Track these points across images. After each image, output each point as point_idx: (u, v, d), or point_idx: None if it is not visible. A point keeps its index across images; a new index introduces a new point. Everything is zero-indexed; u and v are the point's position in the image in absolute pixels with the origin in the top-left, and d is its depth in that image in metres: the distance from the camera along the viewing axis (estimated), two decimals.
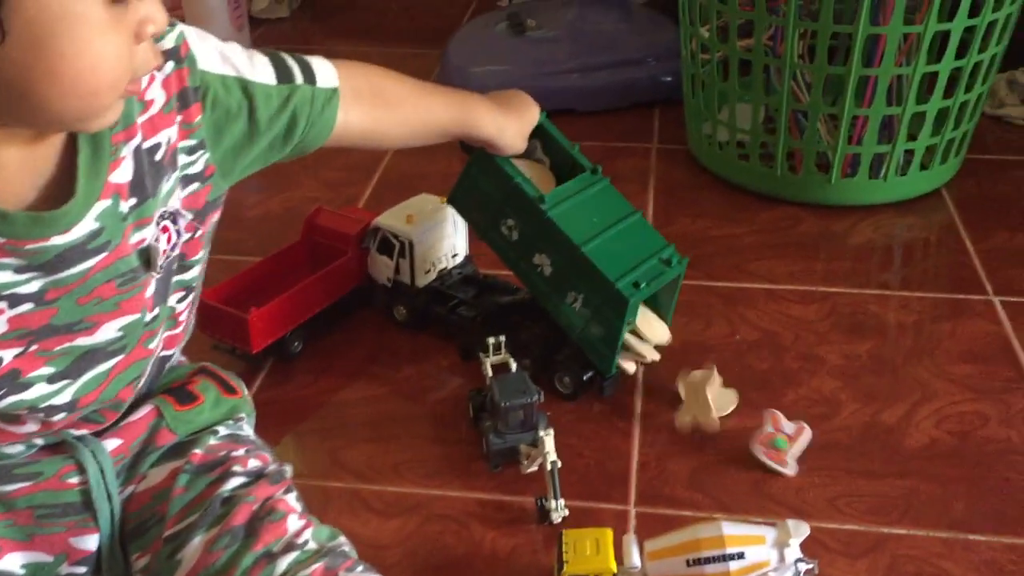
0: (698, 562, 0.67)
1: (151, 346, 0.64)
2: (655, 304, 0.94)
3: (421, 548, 0.78)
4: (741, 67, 1.24)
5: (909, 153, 1.22)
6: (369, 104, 0.74)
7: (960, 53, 1.14)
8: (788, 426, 0.83)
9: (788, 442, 0.82)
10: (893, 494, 0.82)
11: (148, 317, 0.62)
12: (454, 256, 1.05)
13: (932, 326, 1.03)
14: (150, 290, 0.62)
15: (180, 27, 0.62)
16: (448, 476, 0.85)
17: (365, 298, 1.06)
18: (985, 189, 1.28)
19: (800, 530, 0.68)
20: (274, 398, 0.95)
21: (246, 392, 0.74)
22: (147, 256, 0.60)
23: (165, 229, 0.61)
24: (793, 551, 0.67)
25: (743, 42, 1.20)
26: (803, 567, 0.67)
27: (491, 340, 0.90)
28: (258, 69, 0.66)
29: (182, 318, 0.68)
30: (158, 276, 0.62)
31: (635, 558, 0.69)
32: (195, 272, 0.67)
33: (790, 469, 0.81)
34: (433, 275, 1.03)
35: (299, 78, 0.68)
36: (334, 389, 0.96)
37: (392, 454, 0.88)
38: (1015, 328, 1.01)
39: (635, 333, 0.92)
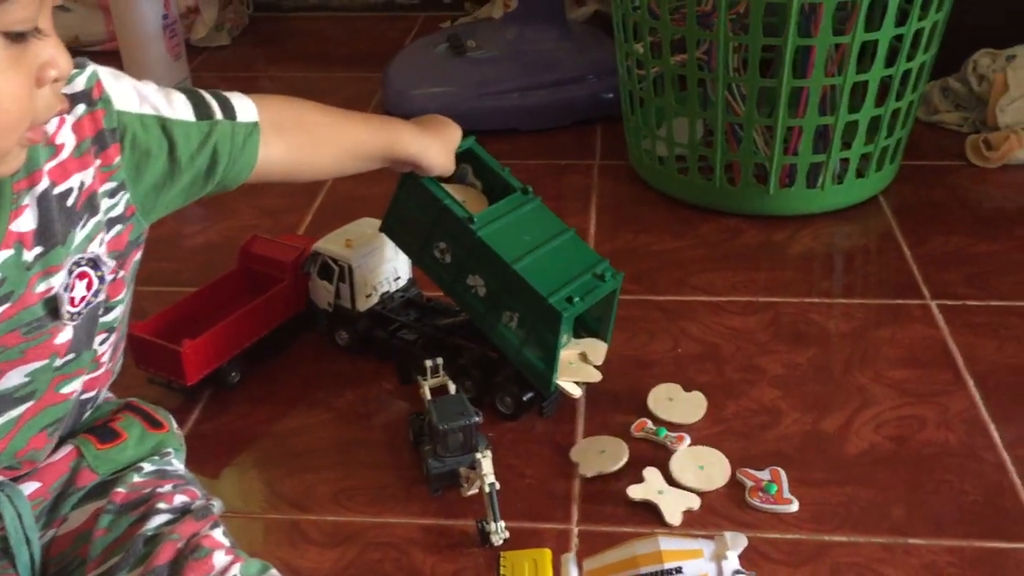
0: None
1: (65, 391, 0.63)
2: (591, 321, 0.94)
3: None
4: (680, 81, 1.25)
5: (845, 162, 1.23)
6: (291, 135, 0.74)
7: (891, 62, 1.16)
8: (763, 474, 0.84)
9: (776, 484, 0.82)
10: (834, 501, 0.82)
11: (58, 362, 0.61)
12: (396, 279, 1.05)
13: (871, 332, 1.03)
14: (62, 337, 0.60)
15: (92, 67, 0.61)
16: (389, 503, 0.84)
17: (306, 324, 1.05)
18: (921, 195, 1.30)
19: (738, 542, 0.67)
20: (211, 430, 0.93)
21: (174, 426, 0.73)
22: (53, 305, 0.59)
23: (83, 276, 0.60)
24: (731, 563, 0.67)
25: (677, 57, 1.21)
26: None
27: (428, 363, 0.90)
28: (176, 107, 0.65)
29: (104, 359, 0.66)
30: (75, 324, 0.61)
31: None
32: (117, 313, 0.66)
33: (794, 505, 0.81)
34: (375, 299, 1.02)
35: (218, 114, 0.67)
36: (273, 418, 0.95)
37: (332, 482, 0.86)
38: (952, 331, 1.03)
39: (581, 357, 0.92)
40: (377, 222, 1.00)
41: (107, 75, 0.61)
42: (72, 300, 0.59)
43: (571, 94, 1.52)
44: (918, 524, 0.79)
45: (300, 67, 1.84)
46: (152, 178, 0.64)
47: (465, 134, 0.93)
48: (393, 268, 1.03)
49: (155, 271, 1.16)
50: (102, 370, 0.67)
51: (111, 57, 1.64)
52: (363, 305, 1.01)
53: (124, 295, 0.66)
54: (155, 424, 0.71)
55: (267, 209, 1.31)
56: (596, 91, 1.52)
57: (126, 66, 1.58)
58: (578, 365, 0.91)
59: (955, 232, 1.21)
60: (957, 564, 0.76)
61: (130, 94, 0.63)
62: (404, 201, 0.92)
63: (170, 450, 0.71)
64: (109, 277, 0.63)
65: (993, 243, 1.18)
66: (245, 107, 0.70)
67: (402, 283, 1.05)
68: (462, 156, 0.92)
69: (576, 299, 0.86)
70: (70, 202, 0.59)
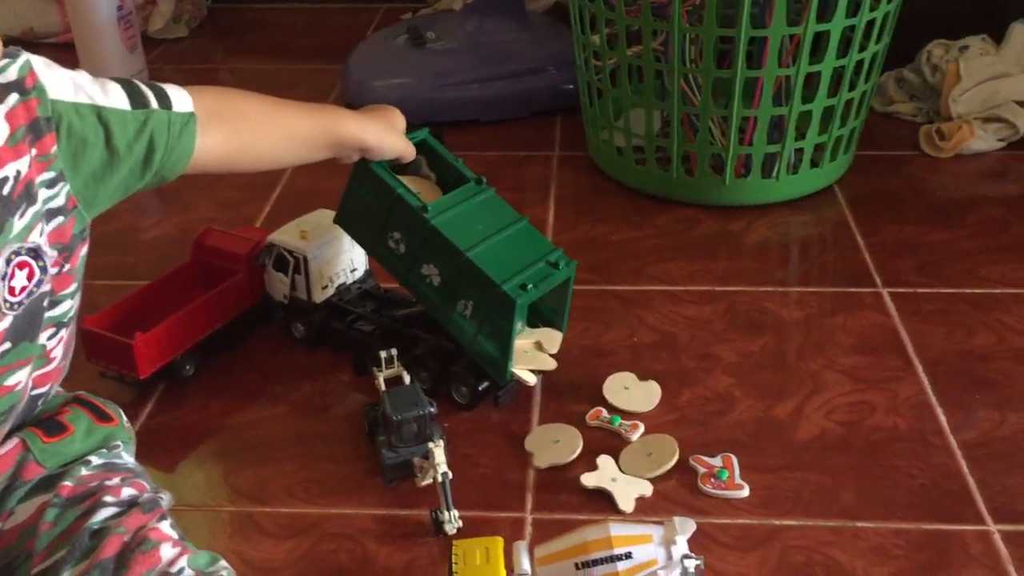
0: (587, 565, 0.67)
1: (9, 383, 0.62)
2: (547, 312, 0.95)
3: (313, 569, 0.77)
4: (638, 73, 1.26)
5: (799, 152, 1.24)
6: (228, 124, 0.74)
7: (845, 52, 1.17)
8: (716, 460, 0.85)
9: (727, 471, 0.83)
10: (784, 486, 0.83)
11: None
12: (353, 271, 1.04)
13: (824, 320, 1.05)
14: None
15: (25, 56, 0.60)
16: (344, 494, 0.84)
17: (262, 317, 1.04)
18: (875, 184, 1.32)
19: (686, 527, 0.68)
20: (165, 424, 0.93)
21: (123, 419, 0.73)
22: None
23: (24, 265, 0.60)
24: (680, 548, 0.68)
25: (634, 48, 1.22)
26: (690, 563, 0.68)
27: (383, 354, 0.90)
28: (111, 96, 0.65)
29: (54, 354, 0.66)
30: (15, 313, 0.60)
31: (525, 565, 0.69)
32: (65, 307, 0.66)
33: (745, 490, 0.82)
34: (331, 291, 1.02)
35: (154, 103, 0.67)
36: (228, 411, 0.94)
37: (287, 475, 0.86)
38: (902, 318, 1.04)
39: (537, 346, 0.93)
40: (333, 213, 0.99)
41: (40, 64, 0.61)
42: (12, 290, 0.59)
43: (530, 85, 1.52)
44: (867, 508, 0.81)
45: (260, 59, 1.82)
46: (90, 167, 0.63)
47: (424, 125, 0.93)
48: (349, 259, 1.03)
49: (110, 264, 1.15)
50: (52, 366, 0.67)
51: (66, 49, 1.61)
52: (319, 297, 1.01)
53: (73, 289, 0.66)
54: (103, 417, 0.70)
55: (224, 202, 1.30)
56: (556, 82, 1.53)
57: (80, 58, 1.55)
58: (533, 354, 0.91)
59: (908, 221, 1.22)
60: (904, 547, 0.77)
61: (64, 83, 0.62)
62: (357, 191, 0.92)
63: (119, 443, 0.70)
64: (53, 269, 0.62)
65: (945, 232, 1.20)
66: (180, 98, 0.70)
67: (359, 274, 1.05)
68: (417, 148, 0.92)
69: (530, 286, 0.87)
70: (6, 191, 0.58)
